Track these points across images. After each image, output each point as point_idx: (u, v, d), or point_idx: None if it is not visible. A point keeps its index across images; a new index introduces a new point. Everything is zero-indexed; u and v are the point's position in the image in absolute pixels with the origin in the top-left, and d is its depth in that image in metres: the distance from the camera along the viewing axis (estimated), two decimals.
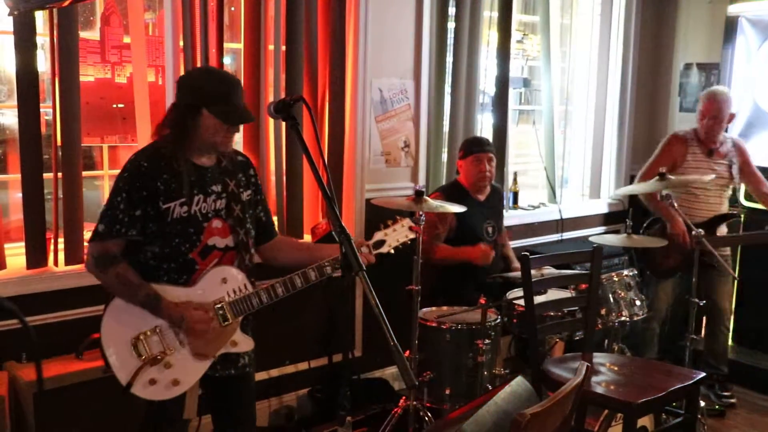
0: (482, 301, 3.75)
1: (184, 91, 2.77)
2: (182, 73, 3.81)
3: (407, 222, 2.98)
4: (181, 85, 2.80)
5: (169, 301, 2.68)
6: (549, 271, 4.23)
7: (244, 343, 2.84)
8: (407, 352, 3.71)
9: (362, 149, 4.58)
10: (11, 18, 3.33)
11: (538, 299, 3.64)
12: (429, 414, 3.75)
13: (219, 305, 2.75)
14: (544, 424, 1.93)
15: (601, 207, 6.23)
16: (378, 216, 3.27)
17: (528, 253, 3.47)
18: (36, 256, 3.60)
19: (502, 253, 4.64)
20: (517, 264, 4.55)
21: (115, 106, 4.02)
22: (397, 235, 2.96)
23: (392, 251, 2.95)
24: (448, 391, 3.85)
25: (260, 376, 4.20)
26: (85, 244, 2.96)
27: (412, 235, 2.98)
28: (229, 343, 2.80)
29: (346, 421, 3.93)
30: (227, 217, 2.82)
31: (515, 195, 5.52)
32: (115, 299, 2.72)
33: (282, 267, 2.98)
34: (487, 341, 3.78)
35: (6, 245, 3.60)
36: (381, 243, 2.92)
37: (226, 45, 4.04)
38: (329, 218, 4.16)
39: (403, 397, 3.84)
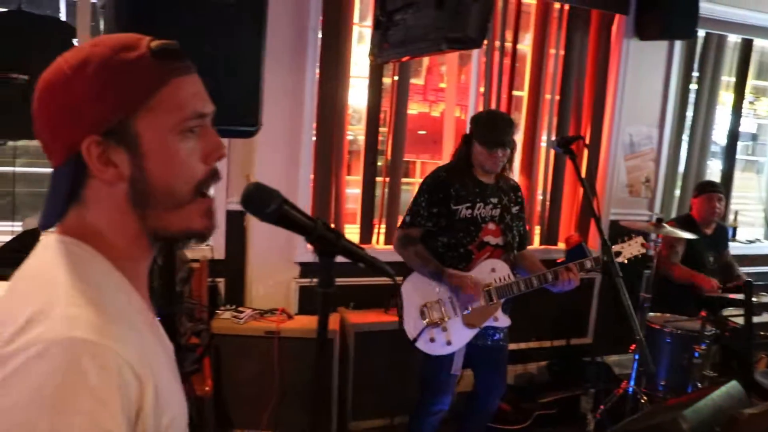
0: (703, 314, 3.70)
1: (470, 126, 3.10)
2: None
3: (640, 239, 3.09)
4: (470, 121, 3.14)
5: (452, 272, 2.93)
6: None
7: (503, 320, 3.06)
8: (632, 345, 3.72)
9: (612, 180, 4.82)
10: (367, 66, 3.80)
11: (755, 319, 3.50)
12: (645, 398, 3.76)
13: (487, 288, 2.98)
14: (758, 425, 1.89)
15: None
16: (618, 234, 3.39)
17: (751, 280, 3.47)
18: (366, 235, 4.10)
19: (726, 263, 4.64)
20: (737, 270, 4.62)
21: (423, 132, 4.49)
22: (631, 249, 3.07)
23: (626, 261, 3.05)
24: (663, 382, 3.85)
25: (512, 346, 3.79)
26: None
27: (643, 251, 3.08)
28: (492, 318, 3.02)
29: (588, 391, 4.22)
30: (500, 222, 3.06)
31: (734, 230, 5.42)
32: (411, 275, 2.99)
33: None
34: (703, 347, 3.70)
35: (346, 225, 4.08)
36: (618, 254, 3.03)
37: (513, 93, 4.36)
38: (595, 232, 4.23)
39: (625, 381, 3.85)
